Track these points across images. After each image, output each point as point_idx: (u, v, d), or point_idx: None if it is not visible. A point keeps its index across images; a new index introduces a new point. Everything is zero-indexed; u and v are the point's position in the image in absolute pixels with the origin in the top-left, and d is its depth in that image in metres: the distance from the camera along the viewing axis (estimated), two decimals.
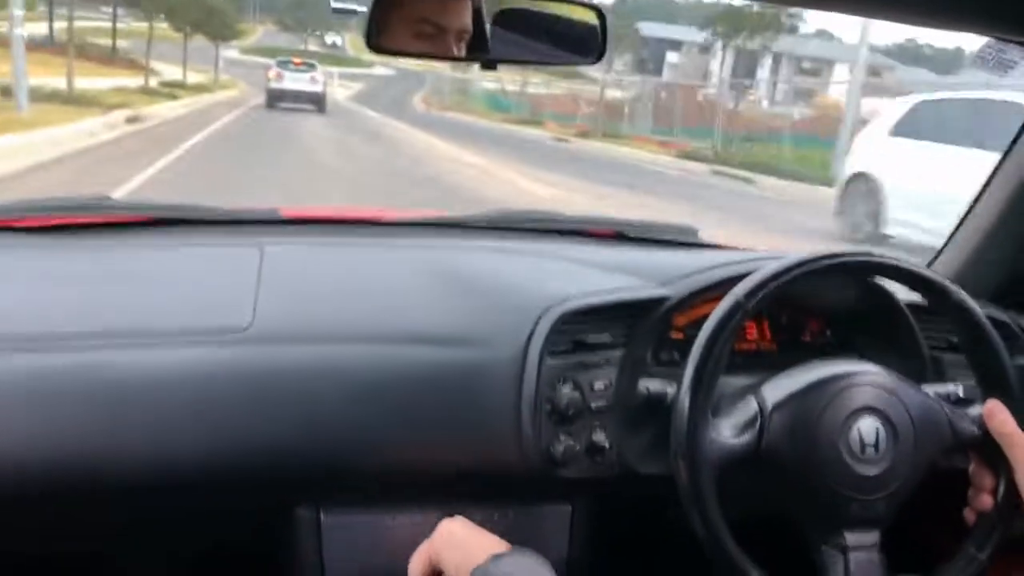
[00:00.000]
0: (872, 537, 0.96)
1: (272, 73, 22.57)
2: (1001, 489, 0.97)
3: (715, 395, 0.96)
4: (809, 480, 0.94)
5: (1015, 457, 0.95)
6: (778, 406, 0.95)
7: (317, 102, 22.44)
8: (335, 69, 40.49)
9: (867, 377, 0.97)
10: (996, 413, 0.97)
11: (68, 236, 1.25)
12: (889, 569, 0.96)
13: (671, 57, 50.02)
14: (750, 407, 0.96)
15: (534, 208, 1.55)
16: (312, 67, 23.26)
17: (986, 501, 0.98)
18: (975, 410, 0.99)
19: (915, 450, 0.95)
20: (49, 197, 1.34)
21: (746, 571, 0.92)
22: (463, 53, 1.16)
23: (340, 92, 36.22)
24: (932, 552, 1.06)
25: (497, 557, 0.82)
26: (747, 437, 0.94)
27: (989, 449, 0.97)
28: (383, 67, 53.52)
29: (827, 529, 0.96)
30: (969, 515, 1.00)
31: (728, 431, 0.94)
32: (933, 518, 1.13)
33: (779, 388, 0.97)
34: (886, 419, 0.95)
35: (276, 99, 22.01)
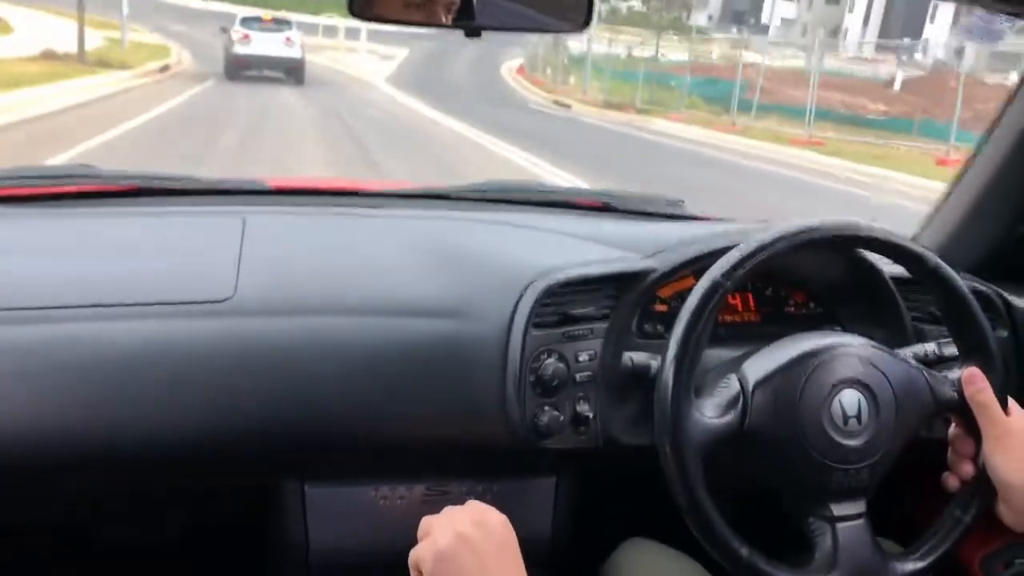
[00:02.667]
0: (858, 507, 0.96)
1: (237, 35, 17.38)
2: (982, 454, 0.98)
3: (698, 369, 0.97)
4: (793, 454, 0.95)
5: (986, 428, 0.96)
6: (760, 383, 0.95)
7: (293, 71, 17.64)
8: (363, 26, 25.57)
9: (847, 349, 0.97)
10: (975, 380, 0.97)
11: (50, 206, 1.24)
12: (876, 537, 0.98)
13: (785, 9, 34.37)
14: (732, 386, 0.96)
15: (519, 179, 1.53)
16: (286, 25, 18.19)
17: (967, 468, 0.99)
18: (955, 374, 1.00)
19: (897, 419, 0.96)
20: (30, 166, 1.32)
21: (734, 547, 0.92)
22: (450, 20, 1.14)
23: (373, 68, 22.09)
24: (917, 519, 1.07)
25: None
26: (730, 417, 0.94)
27: (970, 414, 0.98)
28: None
29: (813, 501, 0.97)
30: (952, 481, 1.01)
31: (711, 411, 0.94)
32: (917, 486, 1.14)
33: (760, 365, 0.97)
34: (867, 390, 0.95)
35: (240, 67, 17.29)
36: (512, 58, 24.45)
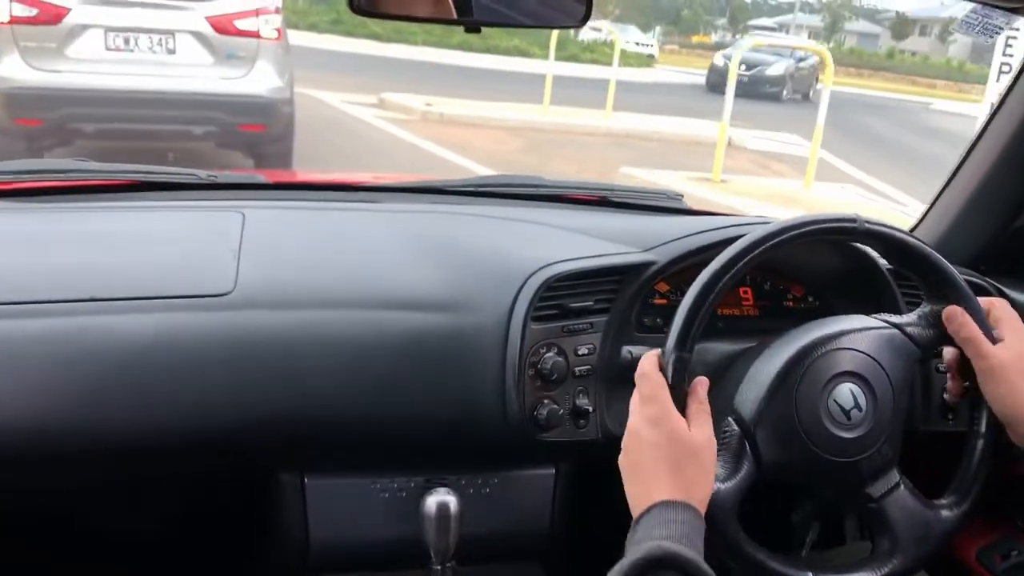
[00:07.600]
0: (891, 479, 0.97)
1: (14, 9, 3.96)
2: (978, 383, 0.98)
3: (696, 361, 0.97)
4: (818, 475, 0.96)
5: (975, 362, 0.96)
6: (757, 421, 0.95)
7: (258, 143, 4.57)
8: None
9: (822, 347, 0.97)
10: (955, 317, 0.98)
11: (47, 200, 1.24)
12: (918, 493, 0.99)
13: None
14: (732, 432, 0.96)
15: (518, 173, 1.53)
16: None
17: (957, 387, 1.02)
18: (926, 309, 1.01)
19: (893, 388, 0.97)
20: (28, 160, 1.32)
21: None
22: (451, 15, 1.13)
23: None
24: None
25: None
26: (743, 473, 0.94)
27: (954, 343, 0.99)
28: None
29: (849, 497, 0.98)
30: (950, 397, 1.06)
31: (720, 471, 0.94)
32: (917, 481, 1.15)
33: (749, 396, 0.97)
34: (857, 378, 0.96)
35: (32, 133, 4.17)
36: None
